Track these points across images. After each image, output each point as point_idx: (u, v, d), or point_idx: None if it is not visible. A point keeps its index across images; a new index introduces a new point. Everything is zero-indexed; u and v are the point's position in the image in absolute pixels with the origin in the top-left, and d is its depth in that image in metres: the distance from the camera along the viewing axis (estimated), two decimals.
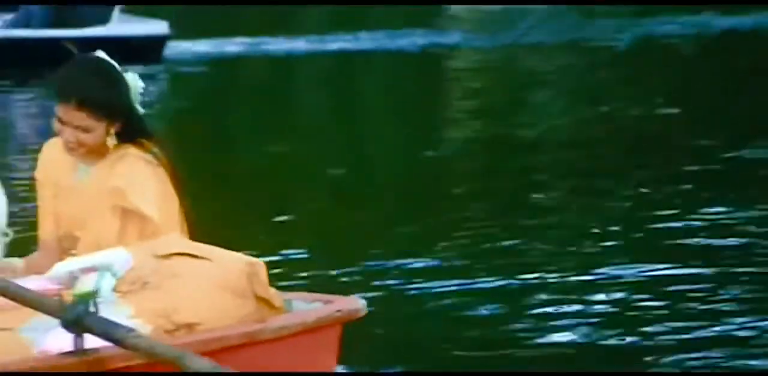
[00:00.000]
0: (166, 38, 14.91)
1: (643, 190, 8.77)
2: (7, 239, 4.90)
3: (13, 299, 4.25)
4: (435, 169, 10.46)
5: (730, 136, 10.72)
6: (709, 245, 7.28)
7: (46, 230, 4.94)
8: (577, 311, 6.24)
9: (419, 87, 14.57)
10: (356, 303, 4.90)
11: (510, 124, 11.35)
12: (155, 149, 4.66)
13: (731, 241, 7.30)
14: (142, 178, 4.73)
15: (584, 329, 5.93)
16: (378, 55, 16.96)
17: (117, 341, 4.10)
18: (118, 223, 4.78)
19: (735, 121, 11.77)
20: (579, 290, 6.65)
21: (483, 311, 6.46)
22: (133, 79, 4.65)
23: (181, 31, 17.03)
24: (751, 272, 6.56)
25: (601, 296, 6.39)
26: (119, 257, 4.55)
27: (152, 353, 4.09)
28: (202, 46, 16.92)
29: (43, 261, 4.96)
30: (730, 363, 5.38)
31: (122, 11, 14.60)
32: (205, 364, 4.02)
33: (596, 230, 7.73)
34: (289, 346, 4.75)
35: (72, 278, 4.45)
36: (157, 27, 15.10)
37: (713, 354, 5.60)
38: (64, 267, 4.51)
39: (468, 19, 21.41)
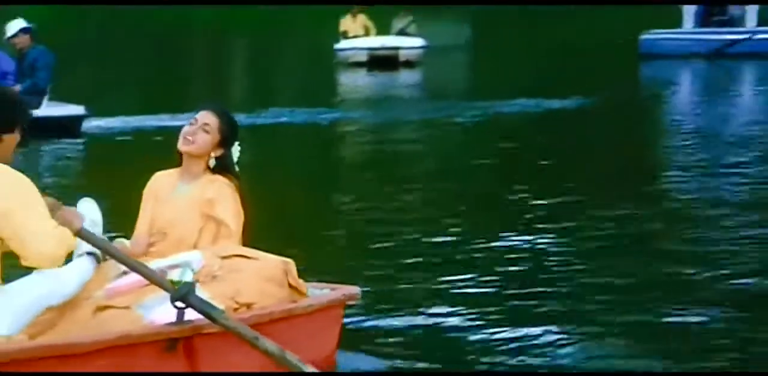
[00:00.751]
0: (83, 117, 15.82)
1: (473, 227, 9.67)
2: None
3: (144, 276, 5.38)
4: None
5: (541, 187, 11.61)
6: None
7: (140, 230, 6.08)
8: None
9: (316, 152, 15.48)
10: (355, 290, 6.15)
11: (376, 186, 12.00)
12: (235, 180, 5.97)
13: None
14: (227, 198, 5.97)
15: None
16: (296, 127, 17.71)
17: (212, 319, 5.19)
18: (201, 225, 5.95)
19: (549, 175, 12.61)
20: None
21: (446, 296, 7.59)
22: (238, 146, 6.10)
23: (109, 110, 17.84)
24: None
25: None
26: (195, 257, 5.69)
27: (236, 332, 5.21)
28: (134, 123, 17.45)
29: (134, 250, 5.96)
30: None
31: (49, 99, 15.43)
32: (271, 346, 5.21)
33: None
34: (311, 319, 5.84)
35: (161, 272, 5.54)
36: (76, 109, 15.89)
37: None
38: (156, 264, 5.64)
39: (361, 101, 22.18)
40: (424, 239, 9.14)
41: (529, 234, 9.26)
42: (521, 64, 30.86)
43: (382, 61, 27.53)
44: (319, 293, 6.19)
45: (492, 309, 7.27)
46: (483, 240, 9.16)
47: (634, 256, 8.54)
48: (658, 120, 19.26)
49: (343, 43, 28.46)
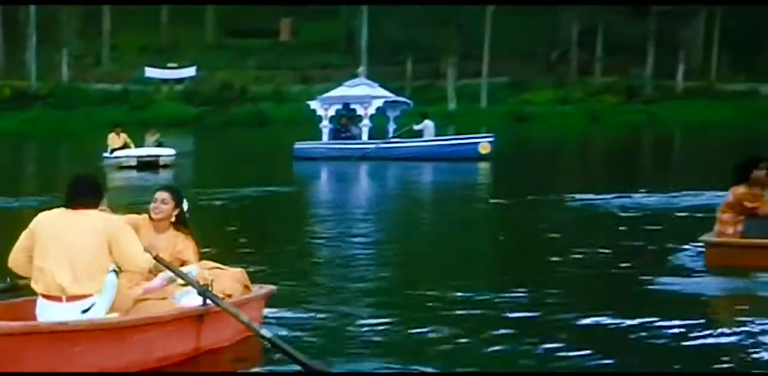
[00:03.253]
0: None
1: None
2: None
3: (185, 280, 6.80)
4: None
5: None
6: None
7: (130, 220, 7.09)
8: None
9: None
10: (273, 288, 7.88)
11: None
12: (189, 230, 7.34)
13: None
14: (190, 246, 7.33)
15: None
16: None
17: (217, 304, 6.74)
18: (170, 260, 7.11)
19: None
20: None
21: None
22: (186, 202, 7.27)
23: None
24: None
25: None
26: (192, 269, 7.09)
27: (227, 311, 6.72)
28: None
29: None
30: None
31: None
32: (245, 318, 6.68)
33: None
34: (255, 303, 7.57)
35: (170, 278, 6.97)
36: None
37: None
38: (166, 274, 7.00)
39: (134, 192, 21.72)
40: None
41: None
42: (228, 164, 33.62)
43: (147, 165, 28.98)
44: (254, 289, 7.56)
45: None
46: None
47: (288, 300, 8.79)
48: (311, 200, 21.18)
49: (117, 152, 29.69)
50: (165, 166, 29.49)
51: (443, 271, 10.93)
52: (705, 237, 11.18)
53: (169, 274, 6.93)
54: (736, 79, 71.48)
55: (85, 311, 6.50)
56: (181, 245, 7.21)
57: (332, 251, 12.37)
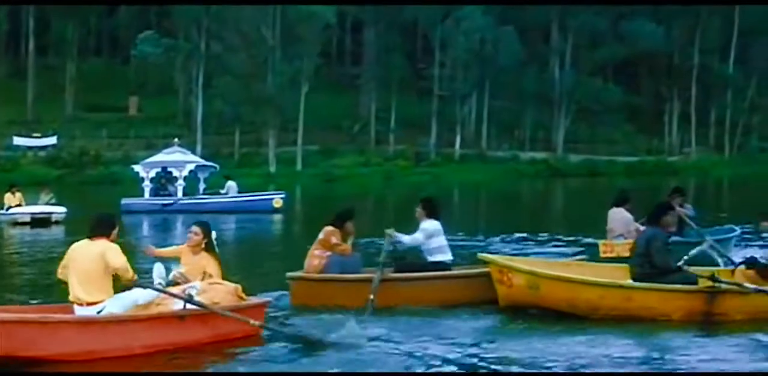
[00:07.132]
0: None
1: None
2: (165, 282, 8.37)
3: (172, 296, 7.88)
4: None
5: None
6: None
7: (166, 251, 8.84)
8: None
9: None
10: (268, 300, 8.95)
11: None
12: (215, 254, 8.53)
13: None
14: (213, 263, 8.44)
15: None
16: None
17: (202, 307, 7.77)
18: (201, 275, 8.30)
19: None
20: None
21: None
22: (215, 233, 8.48)
23: None
24: None
25: None
26: (197, 284, 8.15)
27: (210, 310, 7.71)
28: None
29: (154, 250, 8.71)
30: None
31: None
32: (234, 314, 7.92)
33: None
34: (249, 311, 8.14)
35: (183, 290, 8.00)
36: None
37: None
38: (184, 285, 8.16)
39: (29, 249, 20.48)
40: None
41: None
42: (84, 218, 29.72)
43: (40, 222, 27.17)
44: (251, 299, 8.46)
45: None
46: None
47: None
48: (133, 247, 18.81)
49: (12, 210, 27.91)
50: (57, 222, 27.52)
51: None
52: (291, 274, 10.80)
53: (186, 285, 8.05)
54: (501, 147, 75.39)
55: (98, 313, 7.53)
56: (206, 262, 8.40)
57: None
